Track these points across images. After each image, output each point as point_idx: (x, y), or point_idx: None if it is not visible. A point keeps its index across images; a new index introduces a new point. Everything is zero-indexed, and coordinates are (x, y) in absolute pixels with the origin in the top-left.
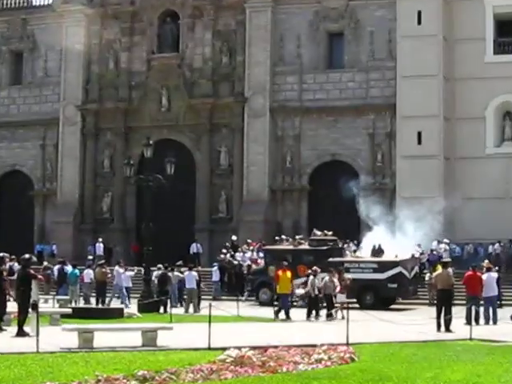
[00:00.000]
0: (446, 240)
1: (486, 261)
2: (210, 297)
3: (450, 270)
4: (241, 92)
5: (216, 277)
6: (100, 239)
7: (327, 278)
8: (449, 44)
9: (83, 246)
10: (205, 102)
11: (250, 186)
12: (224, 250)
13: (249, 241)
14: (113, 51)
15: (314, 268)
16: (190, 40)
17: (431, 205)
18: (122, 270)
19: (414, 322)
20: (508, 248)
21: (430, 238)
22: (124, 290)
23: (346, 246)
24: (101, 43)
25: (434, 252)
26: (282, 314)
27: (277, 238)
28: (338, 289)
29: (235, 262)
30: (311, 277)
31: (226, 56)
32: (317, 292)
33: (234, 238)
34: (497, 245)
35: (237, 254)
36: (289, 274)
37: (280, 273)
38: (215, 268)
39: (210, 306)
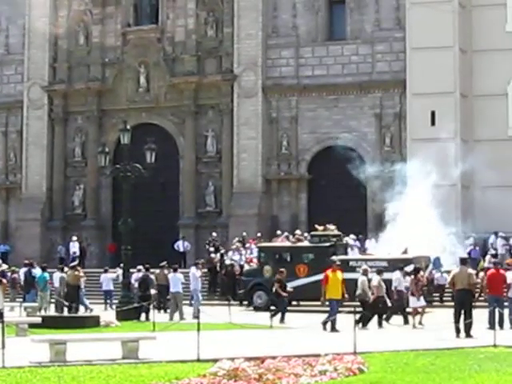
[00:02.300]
0: (501, 234)
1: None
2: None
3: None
4: (229, 69)
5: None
6: (74, 237)
7: (377, 277)
8: (465, 11)
9: (52, 245)
10: (188, 80)
11: (241, 176)
12: (211, 249)
13: (244, 234)
14: (83, 24)
15: (364, 267)
16: (170, 10)
17: (447, 194)
18: (198, 273)
19: (430, 327)
20: None
21: (446, 230)
22: (199, 295)
23: (356, 242)
24: (69, 15)
25: (477, 247)
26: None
27: (279, 232)
28: (411, 290)
29: (227, 262)
30: (362, 277)
31: (211, 28)
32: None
33: (213, 234)
34: None
35: (230, 252)
36: (339, 274)
37: (329, 273)
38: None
39: (199, 311)
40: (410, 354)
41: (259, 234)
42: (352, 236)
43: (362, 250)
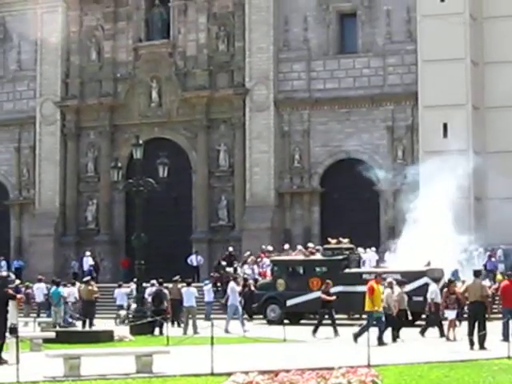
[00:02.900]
0: (502, 246)
1: None
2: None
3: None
4: (241, 83)
5: (209, 297)
6: (88, 253)
7: (398, 290)
8: (476, 23)
9: (66, 260)
10: (200, 94)
11: (253, 190)
12: (224, 263)
13: (263, 247)
14: (95, 40)
15: (390, 280)
16: (182, 25)
17: (460, 205)
18: (238, 288)
19: (443, 340)
20: None
21: (460, 244)
22: (240, 309)
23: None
24: (81, 31)
25: (493, 259)
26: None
27: (286, 246)
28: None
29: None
30: (387, 290)
31: (223, 42)
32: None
33: (230, 249)
34: None
35: (245, 266)
36: (381, 287)
37: (374, 284)
38: (208, 286)
39: (213, 325)
40: (424, 366)
41: (270, 248)
42: (373, 249)
43: (375, 263)
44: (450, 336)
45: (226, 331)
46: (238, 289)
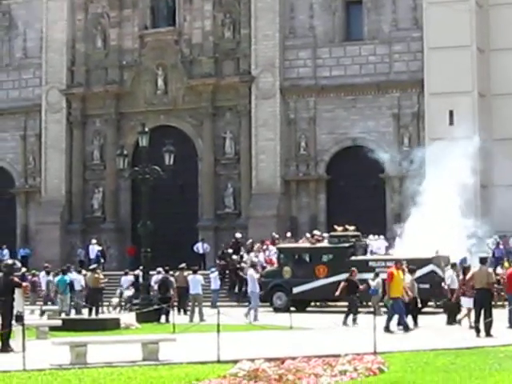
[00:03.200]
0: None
1: None
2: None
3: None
4: (247, 70)
5: (216, 284)
6: (94, 240)
7: (409, 277)
8: (483, 10)
9: (72, 248)
10: (206, 82)
11: (259, 177)
12: (230, 250)
13: (273, 234)
14: (100, 27)
15: (402, 267)
16: (187, 12)
17: (466, 193)
18: (256, 276)
19: (450, 327)
20: None
21: (467, 231)
22: (258, 298)
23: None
24: (86, 18)
25: (501, 246)
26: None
27: (289, 234)
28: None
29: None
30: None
31: (228, 30)
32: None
33: (238, 235)
34: None
35: (251, 254)
36: (401, 273)
37: (394, 270)
38: (215, 274)
39: (219, 313)
40: (430, 353)
41: (276, 235)
42: (382, 236)
43: (384, 251)
44: (465, 323)
45: (256, 319)
46: (256, 276)
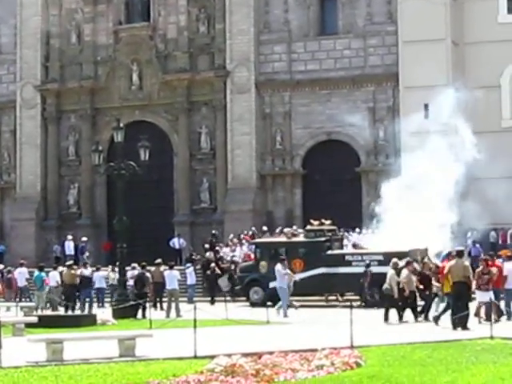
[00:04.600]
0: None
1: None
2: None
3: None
4: (222, 65)
5: (192, 279)
6: (70, 236)
7: (406, 271)
8: (457, 4)
9: (48, 245)
10: (181, 77)
11: (235, 172)
12: (206, 246)
13: (253, 228)
14: (75, 23)
15: (395, 260)
16: (162, 7)
17: (443, 186)
18: (283, 271)
19: (427, 321)
20: None
21: (443, 223)
22: (286, 294)
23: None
24: (60, 14)
25: (477, 245)
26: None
27: (265, 228)
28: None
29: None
30: (391, 271)
31: (203, 24)
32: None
33: (213, 232)
34: None
35: (226, 249)
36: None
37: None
38: (190, 269)
39: (195, 308)
40: (407, 347)
41: (253, 229)
42: (364, 231)
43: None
44: (481, 319)
45: (285, 316)
46: (284, 271)
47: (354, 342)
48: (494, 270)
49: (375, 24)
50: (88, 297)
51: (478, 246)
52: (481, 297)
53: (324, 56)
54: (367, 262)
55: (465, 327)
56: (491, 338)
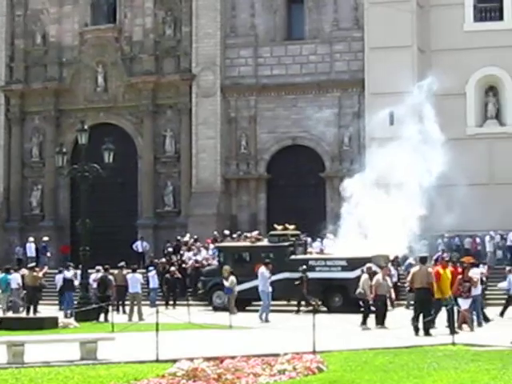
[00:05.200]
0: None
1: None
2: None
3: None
4: (188, 68)
5: (154, 283)
6: (31, 238)
7: (380, 275)
8: (424, 11)
9: (10, 246)
10: (146, 80)
11: (199, 176)
12: (170, 249)
13: (215, 233)
14: (40, 23)
15: (368, 265)
16: (128, 9)
17: (407, 193)
18: (267, 274)
19: (390, 326)
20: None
21: (407, 229)
22: (268, 298)
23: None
24: (26, 14)
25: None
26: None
27: (227, 232)
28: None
29: (188, 264)
30: (364, 275)
31: (170, 27)
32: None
33: (179, 237)
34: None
35: (189, 253)
36: (449, 272)
37: (440, 270)
38: (152, 273)
39: (158, 312)
40: (369, 352)
41: (216, 233)
42: (330, 236)
43: (319, 250)
44: (461, 327)
45: (267, 321)
46: (268, 274)
47: (316, 347)
48: (475, 277)
49: (342, 30)
50: (71, 299)
51: (445, 255)
52: (462, 304)
53: (290, 61)
54: (304, 267)
55: (427, 333)
56: (453, 344)
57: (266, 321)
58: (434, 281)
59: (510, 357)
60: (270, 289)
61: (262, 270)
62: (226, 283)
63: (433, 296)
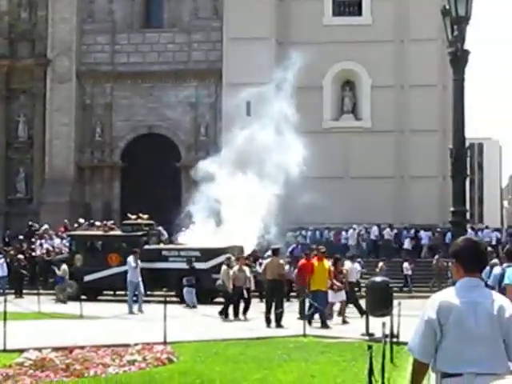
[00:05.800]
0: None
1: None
2: None
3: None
4: (43, 53)
5: (3, 271)
6: None
7: (236, 267)
8: (284, 3)
9: None
10: (0, 63)
11: (53, 163)
12: (21, 237)
13: (81, 220)
14: None
15: (228, 255)
16: None
17: (265, 185)
18: (134, 263)
19: (242, 318)
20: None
21: (264, 225)
22: (141, 287)
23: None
24: None
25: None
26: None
27: (81, 221)
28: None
29: (38, 252)
30: (224, 267)
31: (25, 11)
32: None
33: (30, 223)
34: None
35: (41, 241)
36: (326, 263)
37: (315, 262)
38: (1, 261)
39: (6, 300)
40: (221, 343)
41: (66, 221)
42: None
43: (171, 240)
44: (333, 320)
45: (131, 312)
46: (134, 264)
47: (167, 338)
48: (345, 269)
49: (201, 19)
50: None
51: (299, 247)
52: (333, 297)
53: (148, 49)
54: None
55: (279, 325)
56: (304, 335)
57: (140, 311)
58: (310, 274)
59: (359, 349)
60: (140, 278)
61: (129, 259)
62: (59, 272)
63: (283, 287)
